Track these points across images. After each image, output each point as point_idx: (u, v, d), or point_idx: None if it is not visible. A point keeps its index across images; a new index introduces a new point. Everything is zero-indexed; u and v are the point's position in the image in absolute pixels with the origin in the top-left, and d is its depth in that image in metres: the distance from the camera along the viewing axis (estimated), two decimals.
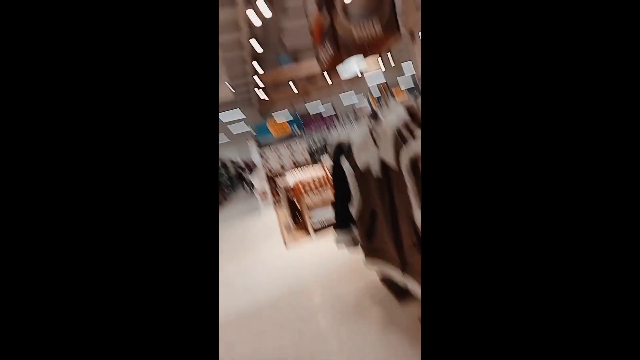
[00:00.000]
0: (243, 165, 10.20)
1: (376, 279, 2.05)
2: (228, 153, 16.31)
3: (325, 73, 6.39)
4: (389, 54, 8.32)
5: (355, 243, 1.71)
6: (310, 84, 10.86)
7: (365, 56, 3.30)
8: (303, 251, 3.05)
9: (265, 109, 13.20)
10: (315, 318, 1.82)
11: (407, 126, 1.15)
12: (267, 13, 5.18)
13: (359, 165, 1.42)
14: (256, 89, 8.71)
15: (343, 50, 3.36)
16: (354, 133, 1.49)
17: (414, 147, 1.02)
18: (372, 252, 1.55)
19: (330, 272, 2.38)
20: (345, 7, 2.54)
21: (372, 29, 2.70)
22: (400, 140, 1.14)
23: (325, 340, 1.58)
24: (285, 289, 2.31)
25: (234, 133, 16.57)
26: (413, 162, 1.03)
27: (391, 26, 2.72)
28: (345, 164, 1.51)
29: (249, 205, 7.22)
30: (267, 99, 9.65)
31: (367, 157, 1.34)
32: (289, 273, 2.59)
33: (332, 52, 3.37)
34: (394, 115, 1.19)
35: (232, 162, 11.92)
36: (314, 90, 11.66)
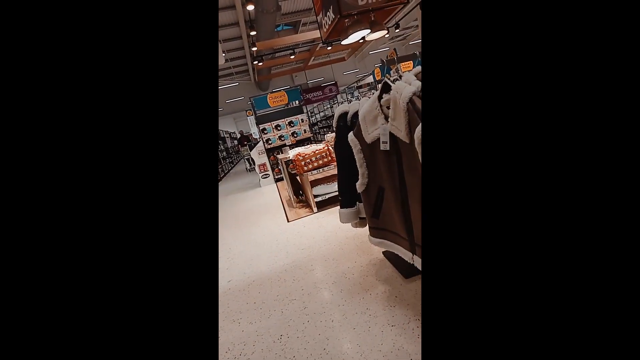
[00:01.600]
0: (239, 137, 9.64)
1: (381, 256, 2.04)
2: (225, 125, 16.01)
3: (326, 43, 6.04)
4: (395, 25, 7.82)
5: (361, 224, 1.66)
6: (310, 53, 10.36)
7: (372, 30, 3.06)
8: (305, 226, 3.04)
9: (263, 80, 12.72)
10: (319, 292, 1.83)
11: (420, 96, 1.05)
12: None
13: (366, 138, 1.32)
14: (254, 62, 8.27)
15: (346, 15, 3.11)
16: (362, 104, 1.38)
17: None
18: (378, 230, 1.50)
19: (333, 247, 2.37)
20: None
21: None
22: (413, 111, 1.04)
23: (329, 314, 1.59)
24: (288, 262, 2.31)
25: (230, 104, 16.12)
26: None
27: None
28: (351, 137, 1.41)
29: (249, 179, 7.18)
30: (263, 66, 9.19)
31: (376, 130, 1.24)
32: (292, 247, 2.58)
33: (335, 18, 3.12)
34: (407, 85, 1.08)
35: (229, 134, 11.57)
36: (314, 60, 11.17)
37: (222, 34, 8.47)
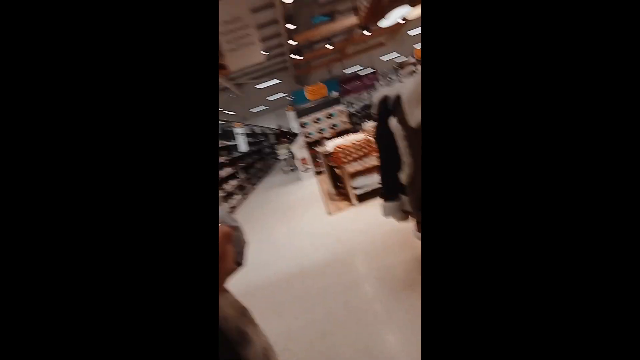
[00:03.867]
0: (278, 133, 9.06)
1: None
2: (267, 121, 16.56)
3: (364, 29, 5.78)
4: None
5: (405, 217, 1.54)
6: (348, 42, 10.12)
7: (412, 5, 2.83)
8: (346, 219, 2.97)
9: (301, 74, 12.81)
10: (362, 287, 1.76)
11: None
12: None
13: (410, 123, 1.20)
14: (292, 55, 8.32)
15: None
16: (404, 85, 1.25)
17: None
18: None
19: (375, 241, 2.28)
20: None
21: None
22: None
23: (372, 310, 1.52)
24: (329, 256, 2.27)
25: (271, 100, 16.57)
26: None
27: None
28: (393, 122, 1.30)
29: (291, 174, 7.32)
30: (302, 60, 9.19)
31: (421, 113, 1.12)
32: (333, 241, 2.54)
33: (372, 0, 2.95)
34: None
35: (270, 129, 11.82)
36: (352, 48, 10.91)
37: (262, 32, 8.66)
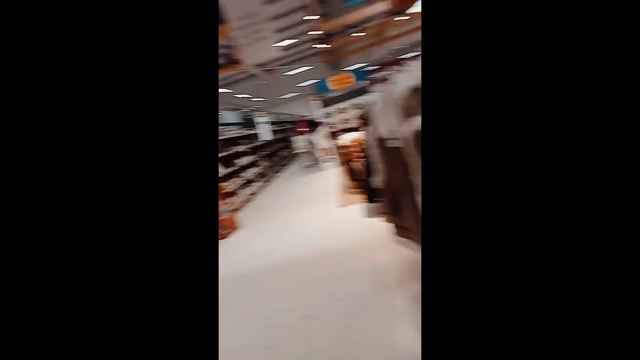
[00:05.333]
0: (297, 121, 8.26)
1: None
2: (299, 108, 16.71)
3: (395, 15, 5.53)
4: None
5: (386, 218, 1.59)
6: (382, 27, 9.68)
7: None
8: (355, 213, 3.04)
9: (331, 61, 12.56)
10: (351, 281, 1.86)
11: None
12: None
13: (380, 131, 1.24)
14: (315, 45, 8.17)
15: None
16: (377, 95, 1.28)
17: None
18: (401, 229, 1.42)
19: (374, 239, 2.33)
20: None
21: None
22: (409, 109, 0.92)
23: (359, 305, 1.61)
24: (329, 247, 2.39)
25: (303, 87, 16.58)
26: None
27: None
28: (370, 129, 1.33)
29: (313, 163, 7.43)
30: (332, 47, 9.02)
31: (388, 123, 1.15)
32: (336, 233, 2.65)
33: None
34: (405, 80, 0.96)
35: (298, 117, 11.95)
36: (391, 31, 10.42)
37: (290, 18, 8.61)
